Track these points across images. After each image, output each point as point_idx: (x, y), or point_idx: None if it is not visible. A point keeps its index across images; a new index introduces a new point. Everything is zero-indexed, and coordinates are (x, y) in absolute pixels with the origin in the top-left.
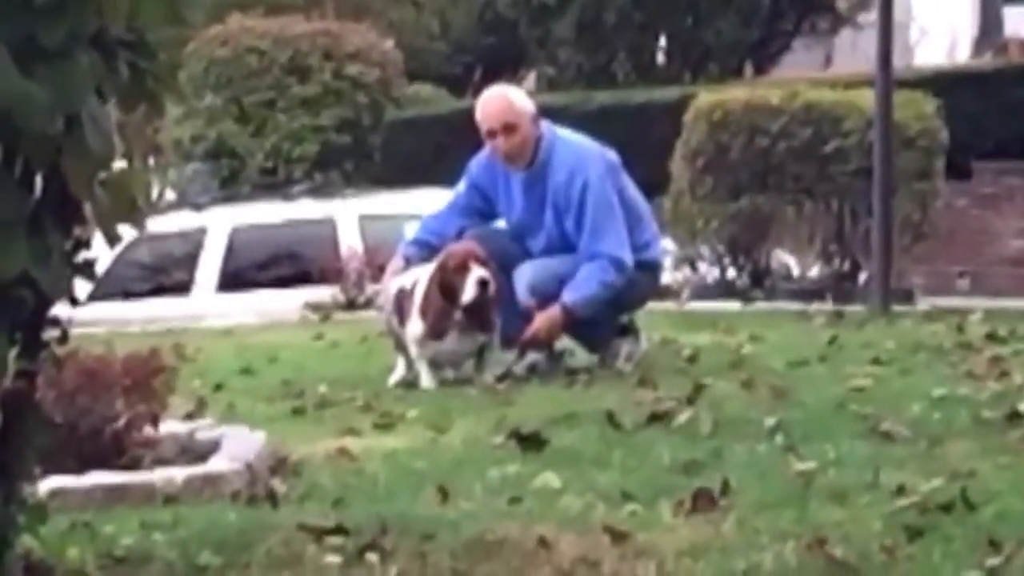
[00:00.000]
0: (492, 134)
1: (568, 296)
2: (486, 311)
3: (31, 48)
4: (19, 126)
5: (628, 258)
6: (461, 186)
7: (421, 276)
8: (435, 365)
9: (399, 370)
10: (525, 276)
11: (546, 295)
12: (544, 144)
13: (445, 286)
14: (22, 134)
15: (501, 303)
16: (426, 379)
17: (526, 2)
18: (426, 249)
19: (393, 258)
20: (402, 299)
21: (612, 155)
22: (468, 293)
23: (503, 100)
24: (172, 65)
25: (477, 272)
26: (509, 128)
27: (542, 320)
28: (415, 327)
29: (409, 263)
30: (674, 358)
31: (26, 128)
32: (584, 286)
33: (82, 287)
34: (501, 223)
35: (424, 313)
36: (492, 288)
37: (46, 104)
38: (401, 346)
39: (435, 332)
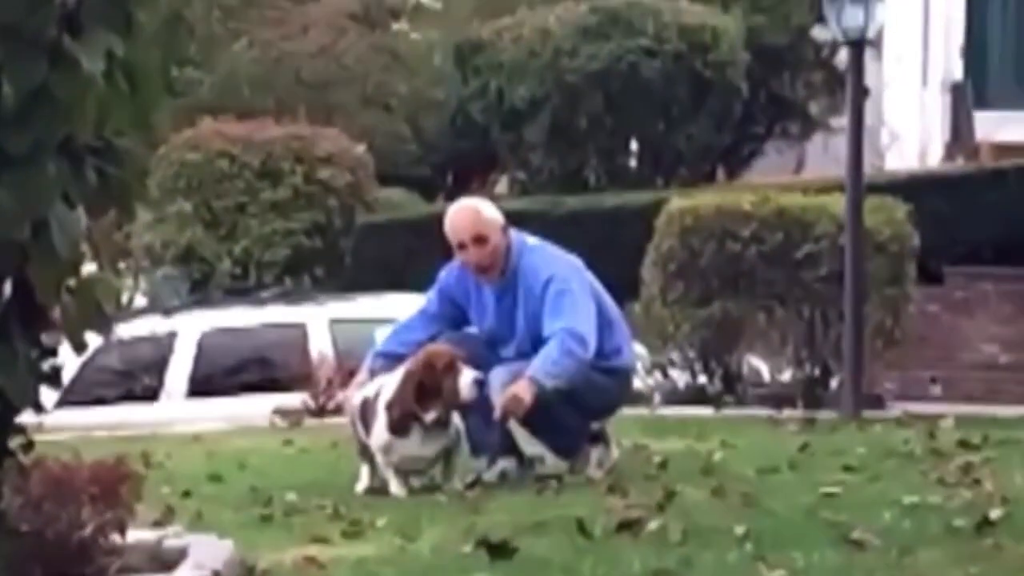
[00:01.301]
0: (462, 246)
1: (532, 368)
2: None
3: None
4: None
5: (588, 332)
6: (431, 294)
7: (386, 383)
8: (401, 472)
9: (364, 478)
10: (498, 378)
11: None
12: (513, 254)
13: (428, 385)
14: None
15: (472, 410)
16: (394, 486)
17: (498, 106)
18: (392, 360)
19: (360, 369)
20: (366, 409)
21: (578, 261)
22: (467, 393)
23: (472, 212)
24: (141, 171)
25: (470, 373)
26: (479, 240)
27: (509, 391)
28: (380, 434)
29: (375, 375)
30: (645, 464)
31: None
32: (545, 356)
33: (49, 394)
34: (472, 330)
35: (390, 408)
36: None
37: (13, 210)
38: (366, 454)
39: (399, 428)
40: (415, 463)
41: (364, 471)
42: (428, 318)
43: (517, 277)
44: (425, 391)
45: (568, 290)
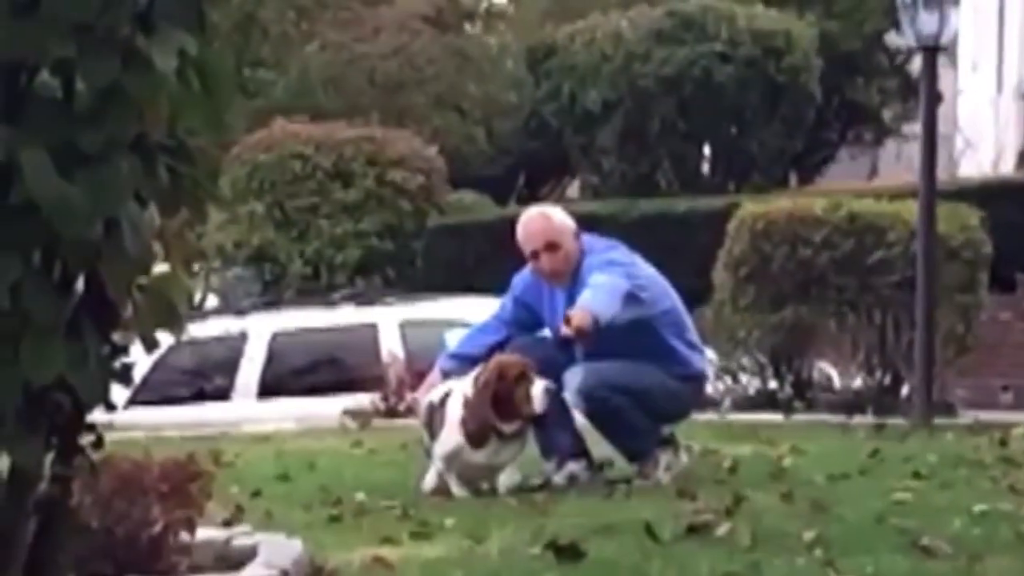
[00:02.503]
0: (535, 254)
1: (580, 306)
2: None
3: (71, 152)
4: (58, 230)
5: (612, 290)
6: (506, 300)
7: (455, 388)
8: (464, 479)
9: (430, 478)
10: (575, 379)
11: (594, 397)
12: (584, 258)
13: (501, 394)
14: (61, 238)
15: (544, 413)
16: (455, 487)
17: (570, 110)
18: (466, 362)
19: (432, 370)
20: (432, 413)
21: (648, 266)
22: (539, 403)
23: (544, 220)
24: (213, 171)
25: (541, 382)
26: (552, 247)
27: (573, 319)
28: (446, 442)
29: (447, 376)
30: (714, 469)
31: (65, 232)
32: (581, 299)
33: (120, 392)
34: (546, 332)
35: (466, 421)
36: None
37: (85, 208)
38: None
39: (477, 440)
40: (479, 472)
41: (432, 471)
42: (502, 322)
43: (583, 278)
44: (500, 401)
45: (610, 263)
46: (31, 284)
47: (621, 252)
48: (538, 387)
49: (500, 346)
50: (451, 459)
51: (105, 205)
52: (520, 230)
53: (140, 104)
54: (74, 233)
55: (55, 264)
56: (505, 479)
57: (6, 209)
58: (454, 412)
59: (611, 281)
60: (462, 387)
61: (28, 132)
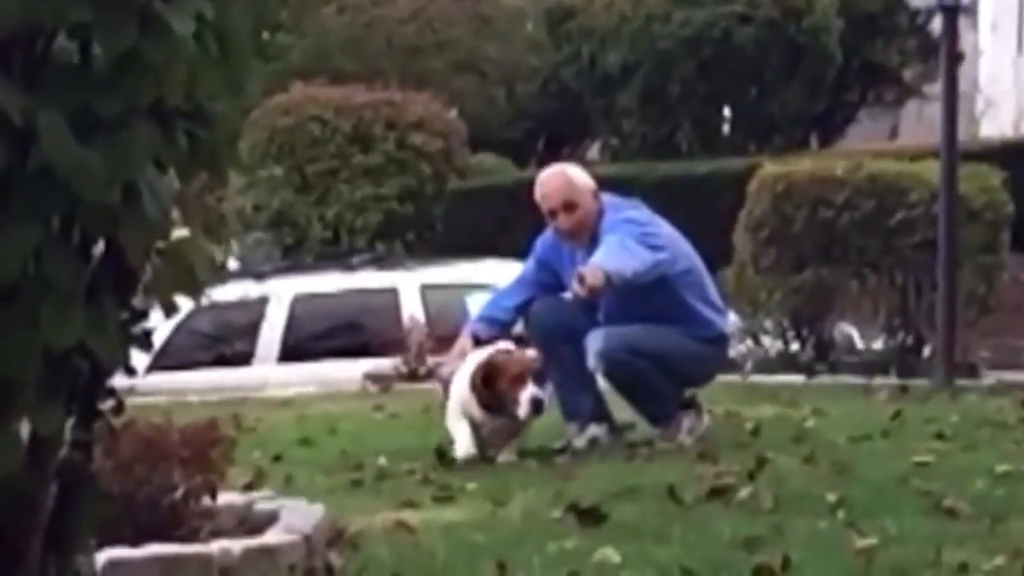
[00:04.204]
0: (553, 213)
1: (592, 264)
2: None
3: (88, 117)
4: (76, 195)
5: (623, 254)
6: (529, 262)
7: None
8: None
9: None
10: (596, 343)
11: (615, 361)
12: (603, 217)
13: (495, 390)
14: (79, 203)
15: (565, 376)
16: (461, 440)
17: (590, 72)
18: (494, 325)
19: (461, 336)
20: (449, 382)
21: (667, 225)
22: (524, 410)
23: (562, 178)
24: (232, 135)
25: (531, 390)
26: (570, 206)
27: (585, 277)
28: (459, 391)
29: (478, 341)
30: (736, 432)
31: (83, 197)
32: (599, 252)
33: (141, 357)
34: (568, 294)
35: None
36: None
37: (103, 173)
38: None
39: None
40: (483, 429)
41: (464, 438)
42: (525, 285)
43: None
44: (492, 396)
45: (626, 222)
46: (50, 250)
47: (641, 212)
48: (526, 394)
49: (524, 308)
50: (465, 406)
51: (123, 170)
52: (538, 188)
53: (158, 69)
54: (92, 198)
55: (74, 229)
56: (505, 456)
57: (24, 175)
58: (466, 368)
59: (624, 240)
60: (477, 357)
61: (45, 97)
